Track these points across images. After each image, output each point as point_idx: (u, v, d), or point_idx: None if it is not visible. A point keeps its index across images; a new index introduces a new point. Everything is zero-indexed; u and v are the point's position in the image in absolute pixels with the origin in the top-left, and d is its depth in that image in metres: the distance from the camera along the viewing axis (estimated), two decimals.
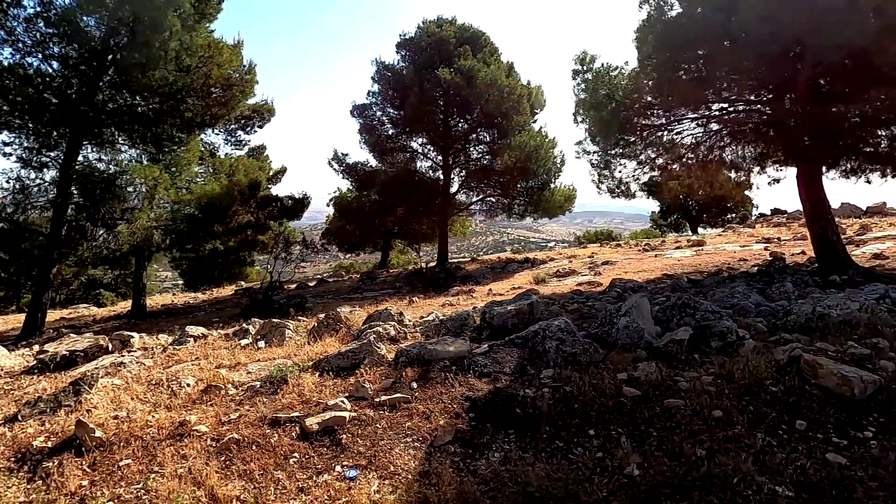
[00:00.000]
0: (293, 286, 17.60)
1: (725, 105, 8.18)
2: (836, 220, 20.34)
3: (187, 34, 12.03)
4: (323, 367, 4.81)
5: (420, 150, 19.67)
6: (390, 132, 19.15)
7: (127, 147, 13.00)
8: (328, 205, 24.03)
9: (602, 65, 8.92)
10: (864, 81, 6.61)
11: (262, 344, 5.95)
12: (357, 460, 3.41)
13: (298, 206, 18.13)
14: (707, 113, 8.31)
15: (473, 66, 17.29)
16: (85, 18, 11.61)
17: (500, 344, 4.81)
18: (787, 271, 7.73)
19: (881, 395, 3.45)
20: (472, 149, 20.31)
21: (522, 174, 16.79)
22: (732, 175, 10.26)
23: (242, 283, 24.84)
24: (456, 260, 24.32)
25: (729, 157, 9.22)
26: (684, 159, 9.51)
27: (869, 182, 8.20)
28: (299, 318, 8.49)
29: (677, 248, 16.41)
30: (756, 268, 9.15)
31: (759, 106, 8.11)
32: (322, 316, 7.07)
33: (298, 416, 3.91)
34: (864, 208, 21.33)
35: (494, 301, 8.03)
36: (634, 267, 12.09)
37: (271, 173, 33.38)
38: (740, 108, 8.28)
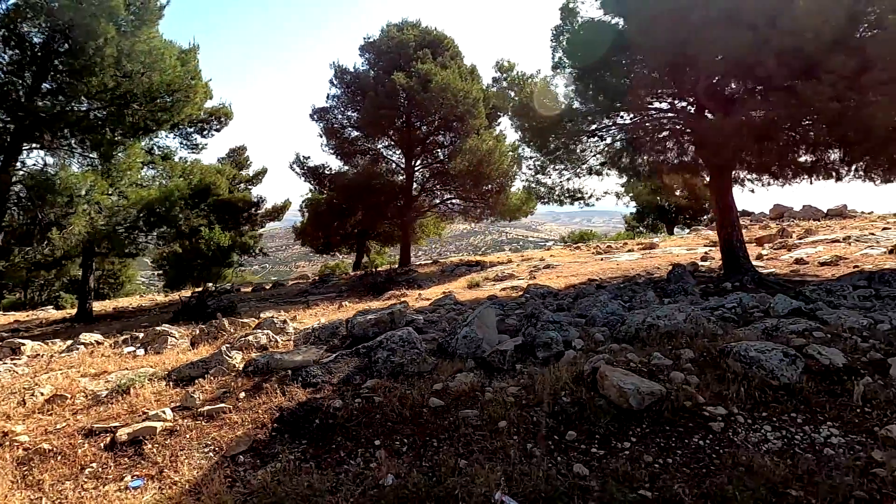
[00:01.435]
0: (249, 289, 17.69)
1: (634, 114, 8.30)
2: (797, 222, 20.52)
3: (127, 40, 12.11)
4: (174, 376, 4.92)
5: (383, 153, 19.78)
6: (352, 135, 19.27)
7: (70, 152, 13.08)
8: (300, 208, 24.11)
9: (517, 73, 9.04)
10: (746, 93, 6.74)
11: (141, 352, 6.05)
12: (149, 470, 3.52)
13: (255, 208, 18.15)
14: (617, 122, 8.43)
15: (430, 69, 17.39)
16: (24, 25, 11.71)
17: (346, 353, 4.92)
18: (683, 278, 7.84)
19: (658, 406, 3.56)
20: (437, 151, 20.43)
21: (476, 178, 16.90)
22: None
23: (210, 284, 24.84)
24: (428, 261, 24.44)
25: (647, 164, 9.34)
26: (605, 167, 9.61)
27: (767, 187, 8.35)
28: (224, 322, 8.65)
29: (628, 251, 16.52)
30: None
31: (665, 115, 8.24)
32: (225, 322, 7.18)
33: (115, 426, 4.01)
34: (826, 210, 21.47)
35: (367, 309, 8.14)
36: (570, 271, 12.21)
37: (252, 174, 33.51)
38: (651, 115, 8.40)
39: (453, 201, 19.92)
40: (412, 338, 4.75)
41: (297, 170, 19.48)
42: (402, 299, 10.86)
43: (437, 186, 19.80)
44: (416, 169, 20.28)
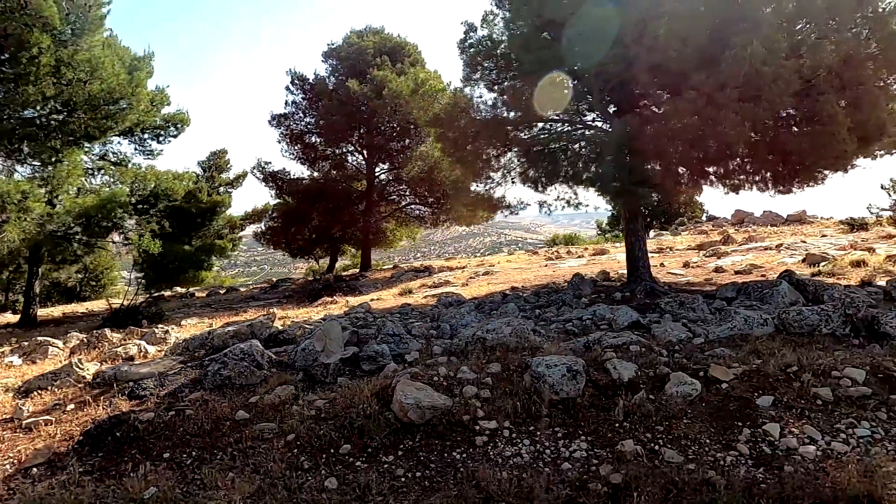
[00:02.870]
0: (204, 294, 17.81)
1: (530, 127, 8.43)
2: (753, 227, 20.67)
3: (67, 49, 12.24)
4: (25, 387, 5.03)
5: (346, 159, 19.92)
6: (314, 141, 19.40)
7: (19, 160, 13.19)
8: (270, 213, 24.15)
9: (429, 86, 9.20)
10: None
11: (18, 361, 6.15)
12: None
13: (210, 214, 18.24)
14: (517, 134, 8.56)
15: (385, 76, 17.52)
16: None
17: (192, 365, 5.04)
18: (580, 287, 7.97)
19: (438, 420, 3.69)
20: (397, 157, 20.57)
21: (429, 184, 17.04)
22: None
23: (178, 288, 24.92)
24: (404, 264, 24.52)
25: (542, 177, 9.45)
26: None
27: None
28: (106, 331, 8.83)
29: (578, 257, 16.67)
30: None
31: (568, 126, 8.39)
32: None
33: None
34: (785, 216, 21.65)
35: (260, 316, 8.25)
36: (503, 278, 12.34)
37: (233, 177, 33.55)
38: (547, 128, 8.54)
39: (413, 206, 20.08)
40: (253, 350, 4.87)
41: (258, 175, 19.61)
42: (330, 306, 10.98)
43: (397, 192, 19.94)
44: (377, 174, 20.41)
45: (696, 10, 6.04)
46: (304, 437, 3.70)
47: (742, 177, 7.37)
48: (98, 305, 19.30)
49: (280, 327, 6.30)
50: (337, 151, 19.42)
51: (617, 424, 3.51)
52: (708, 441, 3.26)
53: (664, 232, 24.35)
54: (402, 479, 3.20)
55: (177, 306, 14.51)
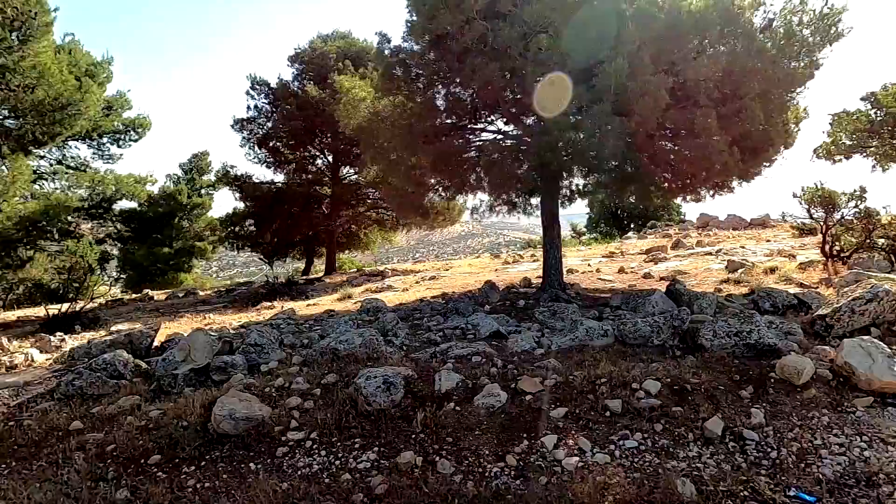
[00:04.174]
0: (164, 296, 17.91)
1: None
2: (715, 231, 20.83)
3: (12, 56, 12.34)
4: None
5: (306, 163, 20.02)
6: (274, 145, 19.49)
7: None
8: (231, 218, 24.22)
9: (352, 94, 9.30)
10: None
11: None
12: None
13: (171, 219, 18.34)
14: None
15: (342, 81, 17.57)
16: None
17: (60, 374, 5.13)
18: (488, 294, 8.10)
19: (252, 431, 3.80)
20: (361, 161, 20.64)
21: (384, 188, 17.13)
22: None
23: (149, 291, 24.96)
24: (368, 269, 24.57)
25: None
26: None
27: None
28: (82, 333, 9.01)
29: (535, 261, 16.77)
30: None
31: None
32: None
33: None
34: (749, 220, 21.80)
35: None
36: (444, 283, 12.45)
37: (214, 179, 33.56)
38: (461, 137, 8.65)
39: (374, 210, 20.21)
40: (115, 360, 4.98)
41: (222, 179, 19.70)
42: (265, 311, 11.08)
43: (360, 195, 20.05)
44: (343, 178, 20.51)
45: (577, 24, 6.16)
46: (122, 448, 3.81)
47: (632, 186, 7.50)
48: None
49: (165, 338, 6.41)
50: (299, 155, 19.52)
51: (413, 436, 3.62)
52: (487, 452, 3.37)
53: (631, 235, 24.49)
54: (189, 490, 3.31)
55: (127, 310, 14.56)
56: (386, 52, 8.16)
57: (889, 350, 3.64)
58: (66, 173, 16.28)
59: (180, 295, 17.81)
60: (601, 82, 5.76)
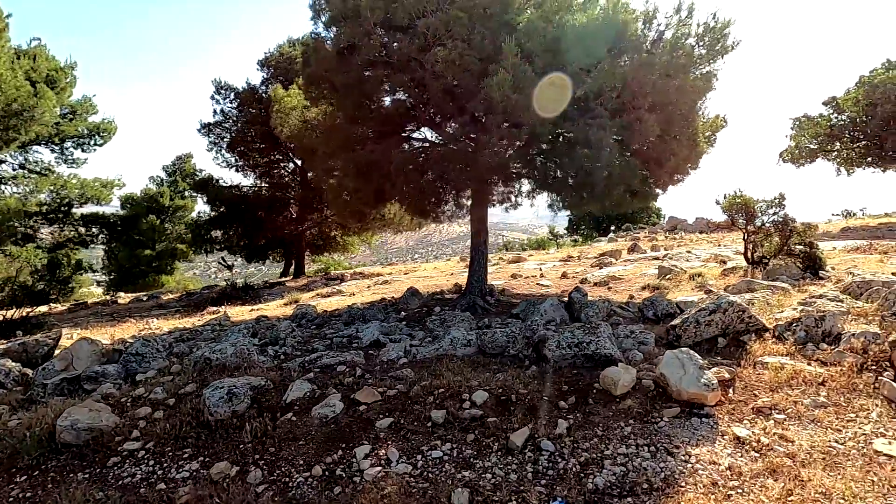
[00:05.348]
0: (126, 300, 18.00)
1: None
2: (682, 234, 20.93)
3: None
4: None
5: (272, 167, 20.11)
6: (241, 149, 19.59)
7: None
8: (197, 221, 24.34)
9: (283, 102, 9.42)
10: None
11: None
12: None
13: (138, 221, 18.44)
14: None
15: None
16: None
17: None
18: (408, 301, 8.20)
19: (94, 441, 3.89)
20: None
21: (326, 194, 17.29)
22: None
23: (122, 293, 25.03)
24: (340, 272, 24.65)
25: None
26: None
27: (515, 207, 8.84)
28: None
29: (494, 264, 16.87)
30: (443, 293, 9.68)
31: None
32: None
33: None
34: (717, 223, 21.91)
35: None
36: (390, 288, 12.55)
37: (197, 179, 33.65)
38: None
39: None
40: None
41: (189, 183, 19.78)
42: (206, 316, 11.18)
43: (325, 200, 20.15)
44: (311, 182, 20.60)
45: (472, 38, 6.27)
46: None
47: (548, 194, 7.61)
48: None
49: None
50: (266, 160, 19.62)
51: (241, 446, 3.72)
52: (301, 462, 3.47)
53: (602, 238, 24.61)
54: (10, 500, 3.40)
55: (84, 315, 14.65)
56: (311, 61, 8.27)
57: (701, 361, 3.75)
58: (29, 178, 16.33)
59: (144, 299, 17.90)
60: (487, 95, 5.86)
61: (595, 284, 10.18)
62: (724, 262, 10.28)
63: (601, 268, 12.49)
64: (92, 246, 22.03)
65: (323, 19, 6.74)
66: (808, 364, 3.96)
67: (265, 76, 20.42)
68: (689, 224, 22.46)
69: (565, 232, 34.94)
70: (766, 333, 4.53)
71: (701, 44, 6.27)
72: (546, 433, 3.46)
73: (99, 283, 38.87)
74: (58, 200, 16.23)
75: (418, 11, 6.31)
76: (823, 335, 4.24)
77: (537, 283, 11.07)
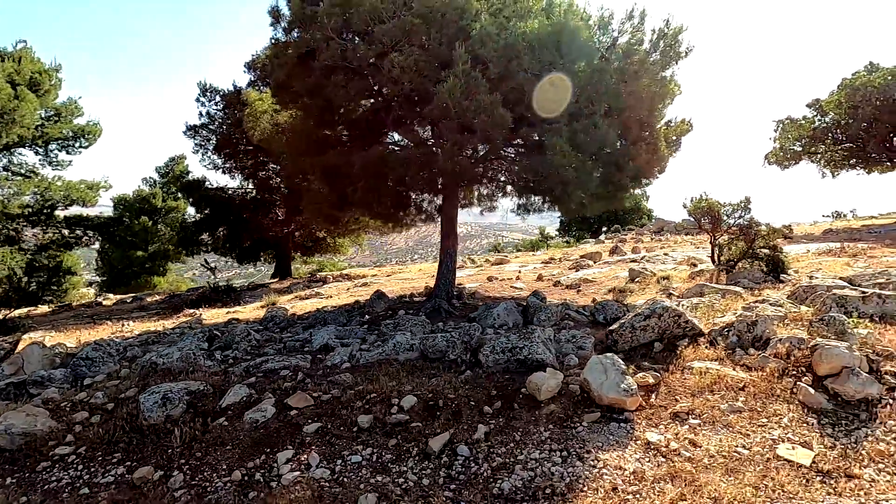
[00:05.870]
0: (112, 301, 18.04)
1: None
2: (668, 236, 20.97)
3: None
4: None
5: (258, 168, 20.13)
6: (228, 151, 19.61)
7: None
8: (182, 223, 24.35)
9: (253, 107, 9.49)
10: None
11: None
12: None
13: (117, 224, 18.49)
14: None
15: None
16: None
17: None
18: (373, 304, 8.24)
19: (28, 446, 3.93)
20: None
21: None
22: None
23: (112, 295, 25.03)
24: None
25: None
26: None
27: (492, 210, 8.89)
28: None
29: (478, 267, 16.92)
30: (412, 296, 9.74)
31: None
32: None
33: None
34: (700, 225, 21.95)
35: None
36: (366, 291, 12.59)
37: (183, 181, 33.69)
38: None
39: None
40: None
41: (175, 186, 19.81)
42: (181, 318, 11.22)
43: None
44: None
45: (427, 42, 6.32)
46: None
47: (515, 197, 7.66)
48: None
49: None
50: (252, 161, 19.63)
51: (170, 450, 3.76)
52: (224, 467, 3.52)
53: (590, 240, 24.67)
54: None
55: (65, 317, 14.70)
56: (275, 66, 8.32)
57: (623, 367, 3.80)
58: (12, 180, 16.36)
59: (129, 300, 17.93)
60: (438, 101, 5.91)
61: (567, 287, 10.23)
62: (696, 265, 10.33)
63: (577, 270, 12.54)
64: (86, 247, 22.03)
65: (282, 25, 6.78)
66: (734, 369, 4.01)
67: (252, 78, 20.42)
68: (673, 225, 22.52)
69: (557, 233, 34.99)
70: (701, 338, 4.58)
71: (655, 50, 6.33)
72: (464, 438, 3.51)
73: (90, 284, 39.05)
74: (42, 203, 16.26)
75: (375, 17, 6.36)
76: (754, 340, 4.28)
77: (511, 286, 11.11)
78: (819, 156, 19.47)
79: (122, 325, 11.23)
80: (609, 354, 3.87)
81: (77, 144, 17.78)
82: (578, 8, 6.54)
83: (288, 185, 15.59)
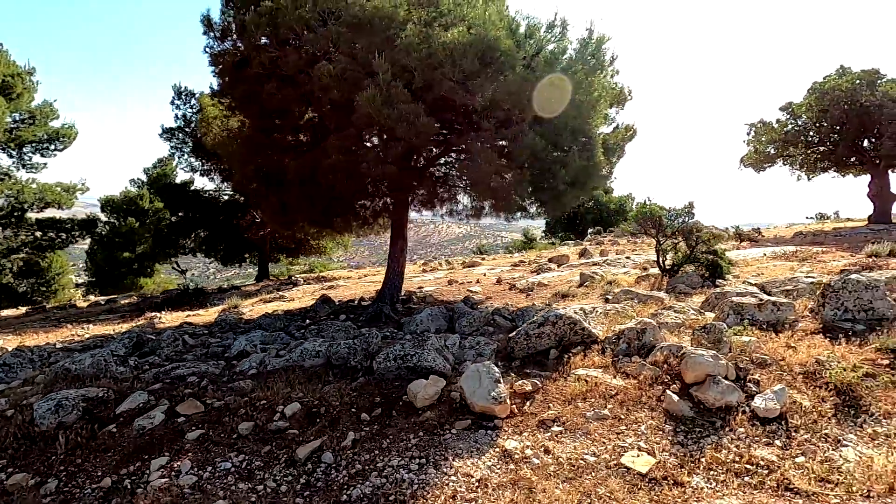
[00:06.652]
0: (85, 304, 18.10)
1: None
2: (645, 238, 21.01)
3: None
4: None
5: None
6: (204, 153, 19.68)
7: None
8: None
9: (205, 113, 9.57)
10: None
11: None
12: None
13: (92, 227, 18.57)
14: None
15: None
16: None
17: None
18: (317, 309, 8.32)
19: None
20: None
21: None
22: None
23: (93, 296, 25.08)
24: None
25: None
26: None
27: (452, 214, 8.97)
28: None
29: (449, 269, 17.00)
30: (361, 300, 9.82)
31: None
32: None
33: None
34: None
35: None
36: (336, 293, 12.67)
37: (159, 183, 33.74)
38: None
39: None
40: None
41: (150, 189, 19.88)
42: (143, 320, 11.28)
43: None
44: None
45: (354, 51, 6.40)
46: None
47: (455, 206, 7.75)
48: None
49: None
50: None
51: (53, 457, 3.83)
52: (99, 474, 3.58)
53: (569, 242, 24.75)
54: None
55: (34, 320, 14.76)
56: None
57: (497, 375, 3.87)
58: None
59: (102, 302, 17.99)
60: (360, 110, 5.99)
61: (520, 290, 10.31)
62: (647, 269, 10.42)
63: (538, 273, 12.62)
64: (60, 249, 22.04)
65: (213, 34, 6.86)
66: (613, 377, 4.09)
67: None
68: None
69: (543, 234, 35.09)
70: (595, 346, 4.66)
71: (580, 59, 6.41)
72: (332, 445, 3.59)
73: (78, 286, 39.20)
74: (14, 205, 16.31)
75: (303, 27, 6.44)
76: (640, 348, 4.36)
77: (468, 290, 11.17)
78: (793, 158, 19.59)
79: (82, 328, 11.29)
80: (486, 363, 3.94)
81: (52, 147, 17.85)
82: (508, 18, 6.62)
83: (239, 190, 15.63)
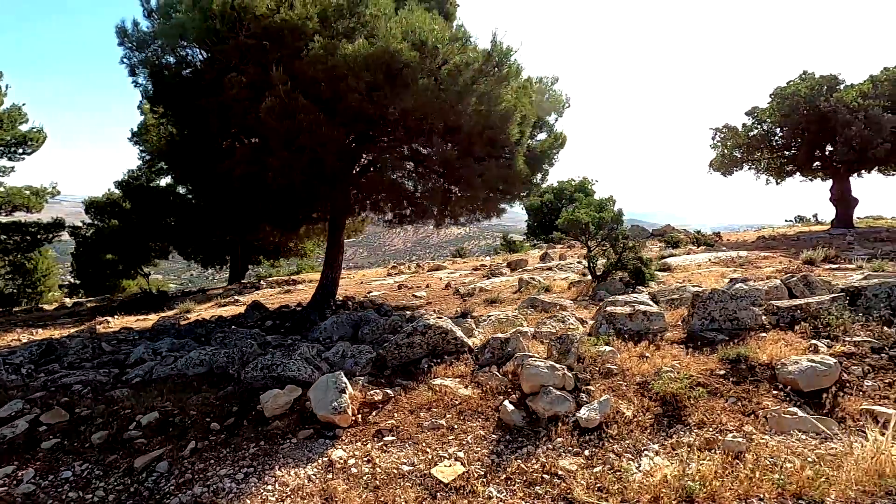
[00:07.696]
0: (54, 306, 18.19)
1: None
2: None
3: None
4: None
5: None
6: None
7: None
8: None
9: (147, 118, 9.67)
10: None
11: None
12: None
13: (55, 230, 18.65)
14: None
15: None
16: None
17: None
18: (247, 315, 8.42)
19: None
20: None
21: None
22: None
23: (67, 300, 25.12)
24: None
25: None
26: None
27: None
28: None
29: (413, 273, 17.10)
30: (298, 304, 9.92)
31: None
32: None
33: None
34: (651, 231, 22.21)
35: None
36: (284, 298, 12.76)
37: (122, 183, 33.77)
38: None
39: None
40: None
41: (119, 191, 19.96)
42: (95, 324, 11.35)
43: None
44: None
45: (264, 62, 6.50)
46: None
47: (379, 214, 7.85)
48: None
49: None
50: None
51: None
52: None
53: (542, 245, 24.86)
54: None
55: None
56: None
57: (344, 385, 3.97)
58: None
59: (69, 305, 18.08)
60: (262, 120, 6.09)
61: (461, 296, 10.42)
62: (585, 275, 10.53)
63: (489, 278, 12.74)
64: (25, 254, 22.06)
65: (128, 44, 6.96)
66: (465, 387, 4.19)
67: None
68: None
69: (524, 237, 35.21)
70: (464, 355, 4.76)
71: (485, 70, 6.51)
72: (171, 455, 3.68)
73: (61, 287, 39.28)
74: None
75: (213, 39, 6.53)
76: (502, 357, 4.47)
77: (413, 295, 11.30)
78: (759, 163, 19.73)
79: (30, 332, 11.36)
80: (336, 373, 4.04)
81: (20, 151, 17.90)
82: (418, 31, 6.72)
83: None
